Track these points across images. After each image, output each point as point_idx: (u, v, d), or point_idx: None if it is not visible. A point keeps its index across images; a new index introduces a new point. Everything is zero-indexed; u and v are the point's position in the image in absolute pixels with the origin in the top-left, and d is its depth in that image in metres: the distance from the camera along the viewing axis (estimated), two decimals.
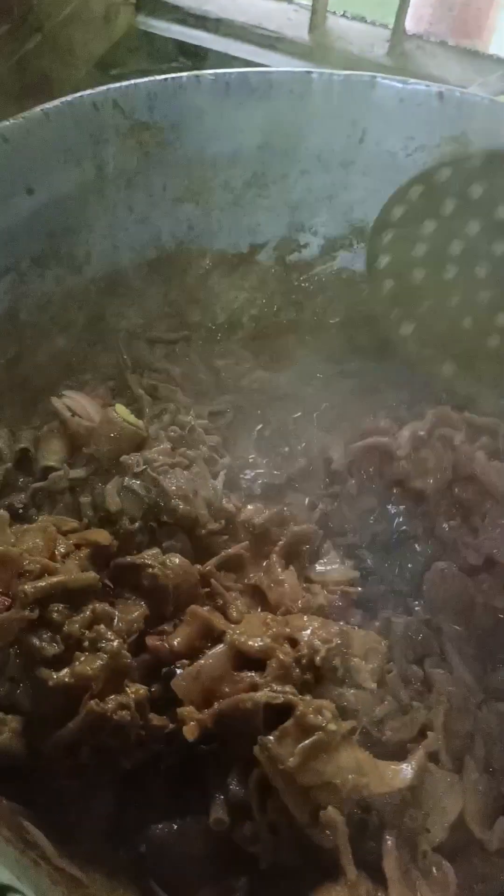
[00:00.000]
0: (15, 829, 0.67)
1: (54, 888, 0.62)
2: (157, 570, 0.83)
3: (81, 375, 1.06)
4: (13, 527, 0.84)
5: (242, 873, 0.73)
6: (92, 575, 0.81)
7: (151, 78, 1.03)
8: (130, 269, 1.10)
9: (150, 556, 0.85)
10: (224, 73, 1.06)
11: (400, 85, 1.09)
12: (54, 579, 0.78)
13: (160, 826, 0.75)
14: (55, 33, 1.53)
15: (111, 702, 0.74)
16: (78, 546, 0.87)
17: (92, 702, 0.73)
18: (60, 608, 0.78)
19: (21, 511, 0.93)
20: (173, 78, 1.03)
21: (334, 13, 1.79)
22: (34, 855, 0.65)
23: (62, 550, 0.82)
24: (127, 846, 0.76)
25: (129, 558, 0.85)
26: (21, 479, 0.95)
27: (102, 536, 0.87)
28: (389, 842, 0.70)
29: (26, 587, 0.76)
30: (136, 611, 0.81)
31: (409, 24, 1.77)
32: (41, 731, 0.75)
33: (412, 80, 1.09)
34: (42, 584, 0.77)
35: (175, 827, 0.75)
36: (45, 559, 0.81)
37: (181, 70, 1.06)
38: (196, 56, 1.73)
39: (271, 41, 1.76)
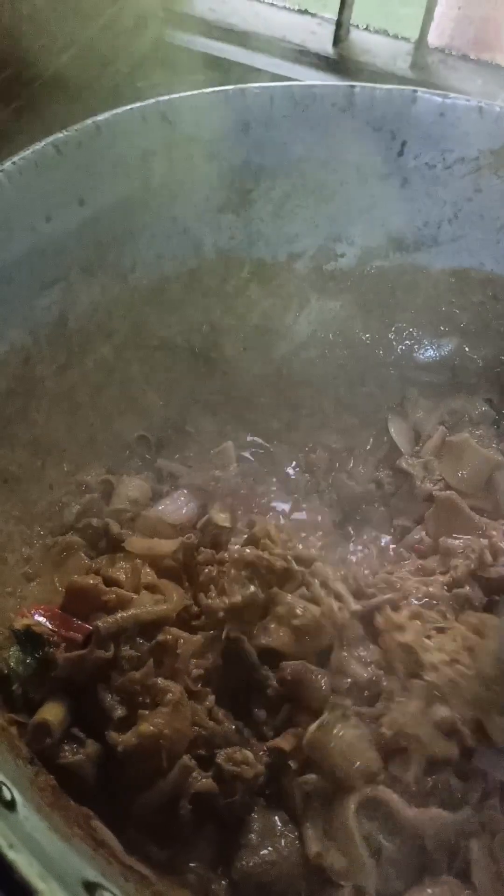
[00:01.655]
0: (85, 828, 0.68)
1: (127, 884, 0.63)
2: None
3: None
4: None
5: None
6: (164, 608, 0.82)
7: (199, 91, 1.04)
8: (172, 277, 1.11)
9: None
10: (269, 87, 1.08)
11: (440, 99, 1.10)
12: (127, 614, 0.79)
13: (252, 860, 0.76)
14: (87, 46, 1.55)
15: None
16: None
17: (185, 757, 0.75)
18: (130, 648, 0.79)
19: None
20: (219, 91, 1.05)
21: (357, 27, 1.81)
22: (105, 853, 0.66)
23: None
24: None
25: None
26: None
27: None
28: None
29: (99, 623, 0.78)
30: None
31: (432, 38, 1.80)
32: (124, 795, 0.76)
33: (452, 95, 1.11)
34: (114, 619, 0.78)
35: (266, 858, 0.75)
36: (121, 590, 0.83)
37: (207, 82, 1.08)
38: (221, 68, 1.75)
39: (296, 54, 1.78)
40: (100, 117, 0.97)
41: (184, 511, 0.99)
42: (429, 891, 0.73)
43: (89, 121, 0.96)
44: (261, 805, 0.79)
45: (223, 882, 0.77)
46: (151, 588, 0.85)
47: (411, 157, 1.13)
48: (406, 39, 1.80)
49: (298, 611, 0.82)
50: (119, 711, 0.77)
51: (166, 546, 0.90)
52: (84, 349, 1.04)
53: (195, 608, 0.86)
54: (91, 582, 0.81)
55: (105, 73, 1.63)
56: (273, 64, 1.76)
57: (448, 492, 1.03)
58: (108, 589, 0.81)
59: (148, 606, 0.80)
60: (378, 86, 1.10)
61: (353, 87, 1.09)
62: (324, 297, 1.22)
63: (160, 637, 0.79)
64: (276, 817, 0.78)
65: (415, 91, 1.10)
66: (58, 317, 0.99)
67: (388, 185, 1.15)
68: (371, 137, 1.12)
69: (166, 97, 1.02)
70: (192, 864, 0.77)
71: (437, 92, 1.11)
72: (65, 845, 0.58)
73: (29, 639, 0.78)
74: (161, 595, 0.84)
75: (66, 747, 0.77)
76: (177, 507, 0.99)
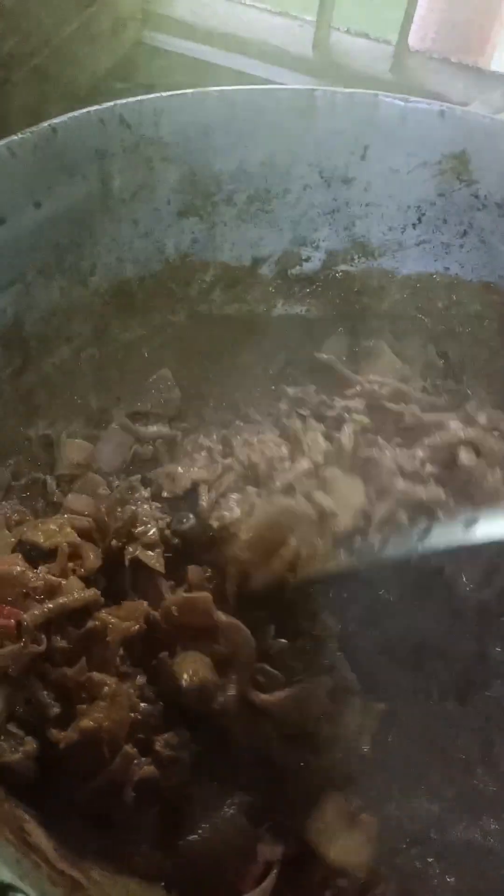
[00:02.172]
0: (17, 832, 0.68)
1: (54, 889, 0.63)
2: None
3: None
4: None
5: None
6: (91, 592, 0.83)
7: (158, 94, 1.04)
8: (134, 281, 1.11)
9: None
10: (231, 91, 1.08)
11: (402, 103, 1.10)
12: (54, 604, 0.80)
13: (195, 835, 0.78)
14: (62, 49, 1.55)
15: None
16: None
17: (127, 746, 0.77)
18: (61, 639, 0.80)
19: None
20: (179, 94, 1.05)
21: (338, 29, 1.81)
22: (35, 857, 0.66)
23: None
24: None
25: None
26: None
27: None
28: None
29: (27, 618, 0.78)
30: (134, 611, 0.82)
31: (413, 41, 1.80)
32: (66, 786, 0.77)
33: (413, 99, 1.11)
34: (42, 612, 0.79)
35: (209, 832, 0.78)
36: (49, 576, 0.83)
37: (187, 85, 1.08)
38: (201, 71, 1.75)
39: (276, 56, 1.78)
40: (56, 120, 0.97)
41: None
42: None
43: (45, 123, 0.96)
44: (204, 778, 0.81)
45: (171, 862, 0.79)
46: (72, 556, 0.85)
47: (375, 160, 1.13)
48: (387, 42, 1.81)
49: None
50: (56, 709, 0.78)
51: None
52: (42, 353, 1.04)
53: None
54: (18, 569, 0.81)
55: (82, 75, 1.63)
56: (253, 66, 1.76)
57: None
58: (35, 575, 0.81)
59: (76, 593, 0.80)
60: (340, 90, 1.10)
61: (314, 90, 1.09)
62: (289, 301, 1.22)
63: (89, 624, 0.80)
64: (218, 790, 0.81)
65: (376, 95, 1.10)
66: (13, 319, 0.99)
67: (351, 189, 1.15)
68: (334, 141, 1.12)
69: (124, 100, 1.02)
70: (138, 848, 0.79)
71: (399, 96, 1.10)
72: None
73: None
74: (80, 559, 0.85)
75: (5, 744, 0.77)
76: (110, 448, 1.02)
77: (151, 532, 0.93)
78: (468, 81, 1.78)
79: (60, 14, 1.50)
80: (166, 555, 0.92)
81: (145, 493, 0.98)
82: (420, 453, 1.00)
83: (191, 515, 0.95)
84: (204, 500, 0.95)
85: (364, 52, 1.81)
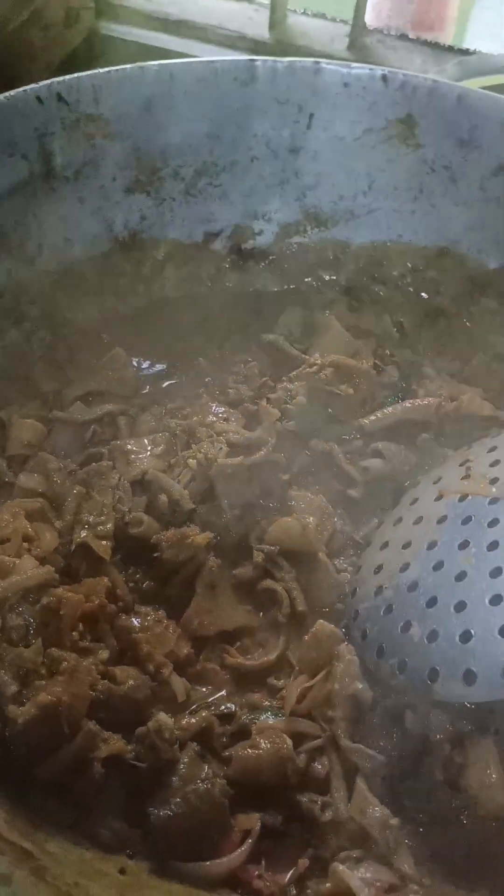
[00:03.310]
0: None
1: (1, 857, 0.62)
2: None
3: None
4: None
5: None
6: (46, 570, 0.83)
7: (95, 70, 1.04)
8: (84, 261, 1.11)
9: None
10: (168, 64, 1.07)
11: (344, 70, 1.10)
12: (7, 583, 0.79)
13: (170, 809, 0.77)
14: (12, 39, 1.54)
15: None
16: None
17: (90, 723, 0.76)
18: (16, 617, 0.79)
19: None
20: (117, 70, 1.05)
21: (294, 11, 1.80)
22: None
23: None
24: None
25: None
26: None
27: None
28: None
29: None
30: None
31: (369, 19, 1.79)
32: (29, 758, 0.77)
33: (355, 65, 1.10)
34: None
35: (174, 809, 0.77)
36: (2, 556, 0.83)
37: None
38: (158, 59, 1.74)
39: (233, 41, 1.78)
40: None
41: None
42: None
43: None
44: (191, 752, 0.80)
45: (138, 833, 0.78)
46: (29, 538, 0.85)
47: (320, 129, 1.13)
48: (344, 21, 1.80)
49: None
50: (13, 687, 0.77)
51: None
52: None
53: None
54: None
55: (35, 66, 1.62)
56: (210, 51, 1.76)
57: None
58: None
59: (29, 572, 0.79)
60: (280, 59, 1.09)
61: (253, 60, 1.09)
62: (244, 277, 1.21)
63: (44, 601, 0.79)
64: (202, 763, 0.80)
65: (317, 62, 1.09)
66: None
67: (299, 158, 1.15)
68: (278, 111, 1.12)
69: (61, 78, 1.02)
70: (102, 821, 0.78)
71: (341, 63, 1.10)
72: None
73: None
74: (37, 539, 0.85)
75: None
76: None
77: (108, 526, 0.92)
78: (425, 56, 1.77)
79: (9, 3, 1.49)
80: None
81: (113, 478, 0.97)
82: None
83: (143, 518, 0.95)
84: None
85: (321, 32, 1.81)
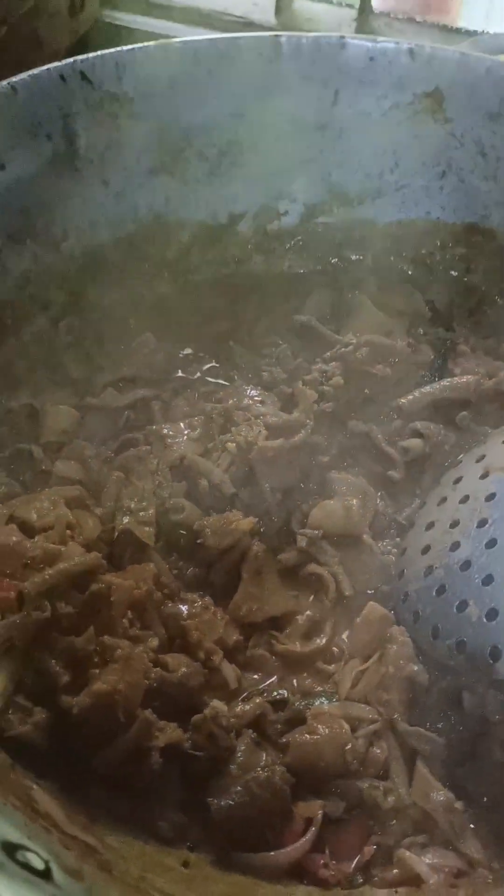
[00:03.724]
0: (24, 799, 0.65)
1: (66, 852, 0.60)
2: None
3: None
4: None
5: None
6: (94, 556, 0.80)
7: (119, 48, 1.01)
8: (109, 245, 1.08)
9: None
10: (192, 41, 1.05)
11: (370, 44, 1.08)
12: (54, 570, 0.76)
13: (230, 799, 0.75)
14: (18, 28, 1.52)
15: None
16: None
17: (146, 712, 0.74)
18: (65, 605, 0.76)
19: None
20: (141, 47, 1.02)
21: None
22: (44, 823, 0.63)
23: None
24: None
25: None
26: None
27: None
28: None
29: (27, 586, 0.74)
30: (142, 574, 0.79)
31: (376, 3, 1.77)
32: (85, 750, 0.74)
33: (381, 39, 1.08)
34: (42, 578, 0.75)
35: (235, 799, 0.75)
36: (47, 544, 0.80)
37: None
38: None
39: (238, 27, 1.75)
40: (15, 78, 0.95)
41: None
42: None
43: (4, 82, 0.93)
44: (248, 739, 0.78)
45: (199, 825, 0.76)
46: (72, 526, 0.82)
47: (346, 105, 1.10)
48: (350, 6, 1.78)
49: None
50: (65, 677, 0.74)
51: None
52: (18, 322, 1.00)
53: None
54: (14, 539, 0.77)
55: (41, 55, 1.59)
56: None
57: None
58: (33, 544, 0.78)
59: (77, 559, 0.77)
60: (305, 34, 1.07)
61: (278, 36, 1.06)
62: (270, 259, 1.19)
63: (93, 587, 0.76)
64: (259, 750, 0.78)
65: (342, 37, 1.07)
66: None
67: (324, 136, 1.12)
68: (303, 88, 1.09)
69: (84, 56, 0.99)
70: (162, 813, 0.76)
71: (367, 37, 1.08)
72: None
73: None
74: (79, 526, 0.82)
75: (13, 717, 0.73)
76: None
77: (150, 511, 0.90)
78: (435, 39, 1.75)
79: None
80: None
81: (152, 463, 0.95)
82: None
83: (185, 504, 0.92)
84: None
85: (328, 17, 1.79)
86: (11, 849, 0.51)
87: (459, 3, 1.96)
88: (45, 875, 0.51)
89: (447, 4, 1.94)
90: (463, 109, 1.09)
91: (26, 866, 0.50)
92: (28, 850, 0.52)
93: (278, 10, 1.75)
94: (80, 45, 1.70)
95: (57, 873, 0.52)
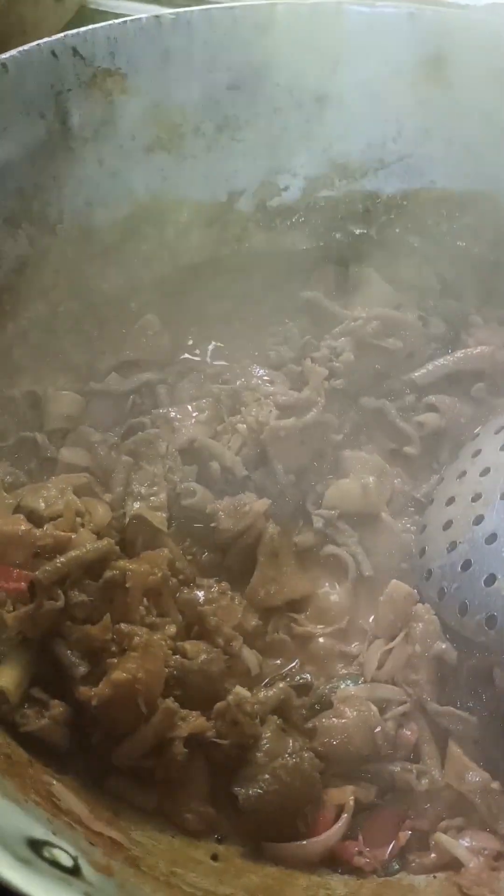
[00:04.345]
0: (45, 795, 0.62)
1: (92, 849, 0.57)
2: None
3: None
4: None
5: None
6: (106, 542, 0.77)
7: (111, 22, 0.98)
8: (106, 226, 1.05)
9: None
10: (185, 12, 1.02)
11: (368, 9, 1.05)
12: (66, 558, 0.73)
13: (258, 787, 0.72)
14: (4, 15, 1.49)
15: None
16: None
17: (168, 700, 0.71)
18: (79, 593, 0.74)
19: None
20: (133, 20, 0.99)
21: None
22: (67, 819, 0.60)
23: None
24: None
25: None
26: None
27: None
28: None
29: (39, 575, 0.72)
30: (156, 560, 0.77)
31: None
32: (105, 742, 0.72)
33: (380, 3, 1.05)
34: (54, 567, 0.73)
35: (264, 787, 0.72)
36: (57, 532, 0.77)
37: None
38: None
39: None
40: (5, 55, 0.92)
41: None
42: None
43: None
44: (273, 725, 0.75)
45: (227, 815, 0.74)
46: (81, 513, 0.79)
47: (346, 74, 1.07)
48: None
49: None
50: (82, 668, 0.71)
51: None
52: (16, 308, 0.97)
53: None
54: (23, 528, 0.75)
55: (27, 41, 1.56)
56: None
57: None
58: (42, 533, 0.75)
59: (88, 545, 0.74)
60: (301, 1, 1.04)
61: (275, 3, 1.03)
62: (271, 236, 1.16)
63: (107, 574, 0.73)
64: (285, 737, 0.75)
65: (340, 3, 1.04)
66: None
67: (324, 107, 1.09)
68: (301, 57, 1.06)
69: (75, 31, 0.96)
70: (188, 805, 0.73)
71: (365, 2, 1.05)
72: (9, 805, 0.52)
73: None
74: (89, 513, 0.79)
75: (29, 711, 0.71)
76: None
77: (162, 496, 0.87)
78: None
79: None
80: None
81: (162, 447, 0.92)
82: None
83: (196, 487, 0.89)
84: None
85: None
86: (37, 846, 0.48)
87: None
88: (75, 871, 0.48)
89: None
90: (467, 74, 1.06)
91: (55, 863, 0.47)
92: (54, 846, 0.50)
93: None
94: (66, 31, 1.67)
95: (86, 869, 0.50)
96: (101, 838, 0.62)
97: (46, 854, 0.48)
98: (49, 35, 1.61)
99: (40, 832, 0.51)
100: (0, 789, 0.55)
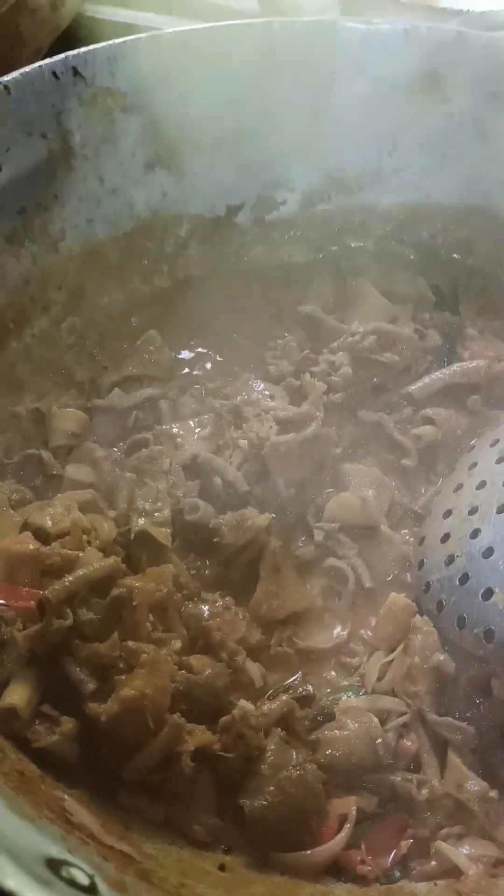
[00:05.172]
0: (58, 811, 0.64)
1: (106, 864, 0.59)
2: None
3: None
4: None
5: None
6: (113, 560, 0.79)
7: (111, 42, 1.00)
8: (107, 242, 1.06)
9: None
10: (183, 31, 1.03)
11: (363, 26, 1.06)
12: (75, 577, 0.75)
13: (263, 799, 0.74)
14: (1, 25, 1.49)
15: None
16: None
17: (175, 716, 0.72)
18: (87, 611, 0.75)
19: None
20: (132, 40, 1.01)
21: None
22: (80, 835, 0.62)
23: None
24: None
25: None
26: None
27: None
28: None
29: (48, 594, 0.73)
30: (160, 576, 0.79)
31: None
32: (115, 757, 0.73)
33: (375, 20, 1.06)
34: (63, 585, 0.74)
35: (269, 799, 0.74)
36: (65, 550, 0.79)
37: None
38: None
39: (220, 13, 1.73)
40: (7, 78, 0.93)
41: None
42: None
43: None
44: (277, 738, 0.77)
45: (234, 826, 0.75)
46: (87, 530, 0.81)
47: (342, 89, 1.09)
48: None
49: None
50: (90, 685, 0.73)
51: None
52: (19, 325, 0.99)
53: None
54: (31, 548, 0.76)
55: (26, 51, 1.57)
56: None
57: None
58: (51, 552, 0.76)
59: (95, 564, 0.76)
60: (298, 19, 1.06)
61: (272, 22, 1.05)
62: (269, 249, 1.17)
63: (114, 592, 0.75)
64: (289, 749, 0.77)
65: (336, 21, 1.06)
66: None
67: (321, 121, 1.11)
68: (297, 74, 1.08)
69: (76, 51, 0.97)
70: (196, 818, 0.75)
71: (360, 19, 1.06)
72: (26, 825, 0.54)
73: None
74: (94, 530, 0.81)
75: (40, 728, 0.73)
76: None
77: (165, 512, 0.89)
78: (419, 19, 1.72)
79: None
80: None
81: (165, 463, 0.94)
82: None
83: (199, 503, 0.91)
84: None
85: (311, 1, 1.77)
86: (56, 865, 0.50)
87: None
88: (92, 891, 0.50)
89: None
90: (461, 89, 1.08)
91: (72, 883, 0.49)
92: (71, 865, 0.51)
93: None
94: (63, 40, 1.68)
95: (102, 887, 0.51)
96: (114, 852, 0.63)
97: (64, 874, 0.50)
98: (46, 44, 1.64)
99: (56, 851, 0.53)
100: (17, 809, 0.56)
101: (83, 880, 0.51)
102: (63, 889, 0.48)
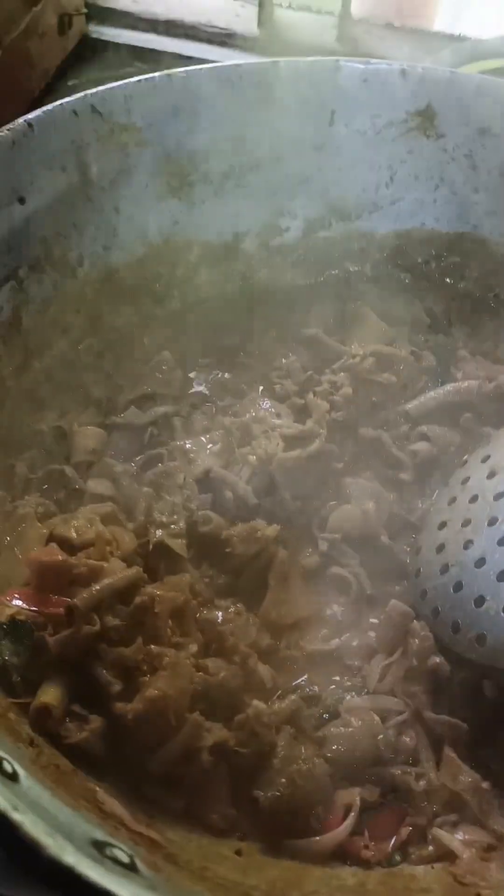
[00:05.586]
0: (92, 801, 0.70)
1: (138, 848, 0.65)
2: None
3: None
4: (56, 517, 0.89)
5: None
6: (136, 570, 0.85)
7: (126, 81, 1.06)
8: (122, 268, 1.13)
9: None
10: (194, 70, 1.09)
11: (362, 66, 1.13)
12: (101, 586, 0.81)
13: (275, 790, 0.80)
14: (12, 50, 1.55)
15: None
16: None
17: (195, 714, 0.79)
18: (113, 618, 0.82)
19: None
20: (147, 79, 1.07)
21: (281, 5, 1.83)
22: (113, 822, 0.69)
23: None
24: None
25: None
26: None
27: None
28: None
29: (78, 603, 0.79)
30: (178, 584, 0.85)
31: (354, 9, 1.82)
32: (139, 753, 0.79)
33: (374, 60, 1.13)
34: (91, 594, 0.80)
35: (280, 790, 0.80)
36: (90, 560, 0.85)
37: (137, 74, 1.09)
38: (150, 59, 1.76)
39: (222, 38, 1.80)
40: (30, 115, 0.98)
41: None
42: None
43: (21, 119, 0.97)
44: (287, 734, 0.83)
45: (248, 817, 0.81)
46: (109, 542, 0.88)
47: (342, 125, 1.15)
48: (330, 13, 1.83)
49: None
50: (117, 686, 0.79)
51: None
52: (40, 347, 1.05)
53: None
54: (59, 559, 0.83)
55: (34, 74, 1.63)
56: (201, 50, 1.78)
57: None
58: (77, 562, 0.83)
59: (120, 573, 0.82)
60: (301, 59, 1.12)
61: (277, 62, 1.11)
62: (273, 273, 1.24)
63: (137, 600, 0.81)
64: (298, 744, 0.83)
65: (337, 60, 1.12)
66: (11, 317, 1.00)
67: (322, 155, 1.17)
68: (301, 110, 1.14)
69: (94, 90, 1.03)
70: (214, 808, 0.81)
71: (359, 59, 1.13)
72: (71, 811, 0.60)
73: (16, 629, 0.80)
74: (116, 542, 0.88)
75: (71, 725, 0.79)
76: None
77: (181, 524, 0.96)
78: (414, 44, 1.80)
79: (7, 14, 1.50)
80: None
81: (180, 478, 1.00)
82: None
83: (212, 516, 0.98)
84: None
85: (309, 25, 1.83)
86: (100, 846, 0.56)
87: (435, 7, 2.01)
88: (133, 868, 0.56)
89: (423, 9, 1.99)
90: (454, 125, 1.15)
91: (116, 861, 0.56)
92: (113, 846, 0.58)
93: (261, 21, 1.79)
94: (70, 62, 1.74)
95: (141, 866, 0.58)
96: (143, 838, 0.70)
97: (108, 853, 0.56)
98: (54, 66, 1.69)
99: (99, 834, 0.59)
100: (59, 797, 0.62)
101: (125, 859, 0.57)
102: (111, 866, 0.54)
